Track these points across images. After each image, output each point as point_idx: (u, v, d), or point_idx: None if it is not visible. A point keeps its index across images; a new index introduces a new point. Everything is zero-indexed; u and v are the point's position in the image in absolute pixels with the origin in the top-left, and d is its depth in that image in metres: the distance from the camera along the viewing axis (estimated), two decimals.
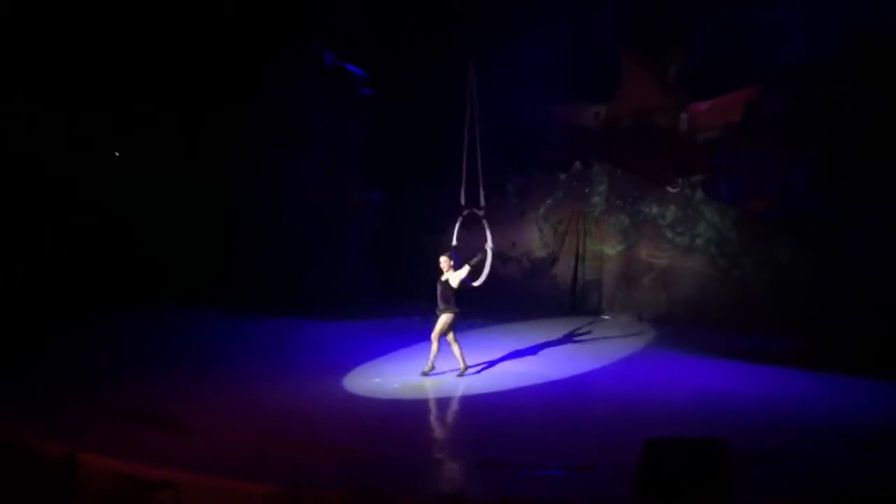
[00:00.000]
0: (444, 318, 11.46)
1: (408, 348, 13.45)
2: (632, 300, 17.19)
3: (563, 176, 18.25)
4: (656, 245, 17.12)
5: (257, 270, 16.97)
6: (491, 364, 12.68)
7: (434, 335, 11.54)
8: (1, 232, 14.94)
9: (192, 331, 14.55)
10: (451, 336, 11.56)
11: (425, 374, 11.56)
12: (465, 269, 11.60)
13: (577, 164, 18.14)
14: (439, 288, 11.58)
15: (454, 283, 11.54)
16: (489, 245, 11.91)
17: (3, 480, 7.96)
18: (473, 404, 10.51)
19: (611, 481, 7.18)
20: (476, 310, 15.21)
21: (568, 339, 15.02)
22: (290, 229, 17.45)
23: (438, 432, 9.03)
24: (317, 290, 17.16)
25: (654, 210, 17.13)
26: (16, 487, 7.73)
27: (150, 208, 17.04)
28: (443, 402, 10.56)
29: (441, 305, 11.51)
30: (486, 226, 12.04)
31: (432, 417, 9.88)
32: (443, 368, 11.67)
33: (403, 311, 16.41)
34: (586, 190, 18.06)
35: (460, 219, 12.09)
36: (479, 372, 12.07)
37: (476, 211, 12.11)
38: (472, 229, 12.29)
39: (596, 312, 17.41)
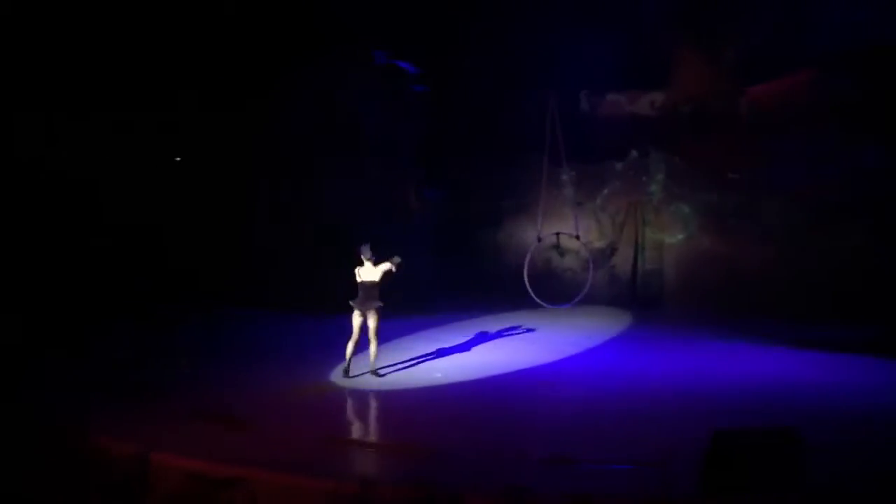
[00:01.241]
0: (375, 315, 11.06)
1: (471, 343, 13.45)
2: (693, 289, 16.88)
3: (619, 165, 18.04)
4: (718, 233, 16.81)
5: (318, 271, 17.12)
6: (550, 355, 12.62)
7: (376, 332, 11.10)
8: (52, 234, 15.20)
9: (256, 330, 14.76)
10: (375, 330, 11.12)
11: (374, 372, 11.15)
12: (386, 265, 11.08)
13: (634, 153, 17.91)
14: (363, 284, 11.07)
15: (377, 277, 11.07)
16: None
17: (76, 481, 8.19)
18: (533, 398, 10.43)
19: (680, 476, 7.05)
20: (533, 300, 15.22)
21: (627, 330, 14.87)
22: (349, 229, 17.57)
23: (502, 427, 8.98)
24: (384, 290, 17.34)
25: (715, 197, 16.81)
26: (89, 488, 7.95)
27: (209, 210, 17.29)
28: (503, 396, 10.50)
29: (367, 302, 11.06)
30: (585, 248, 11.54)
31: (496, 411, 9.82)
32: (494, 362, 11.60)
33: (464, 306, 16.43)
34: (644, 179, 17.81)
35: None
36: (537, 365, 12.01)
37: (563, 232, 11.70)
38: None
39: (656, 302, 17.20)
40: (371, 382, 11.03)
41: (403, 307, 16.28)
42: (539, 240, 11.61)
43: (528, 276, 12.22)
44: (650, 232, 17.76)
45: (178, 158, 18.06)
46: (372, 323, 11.05)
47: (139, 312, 14.80)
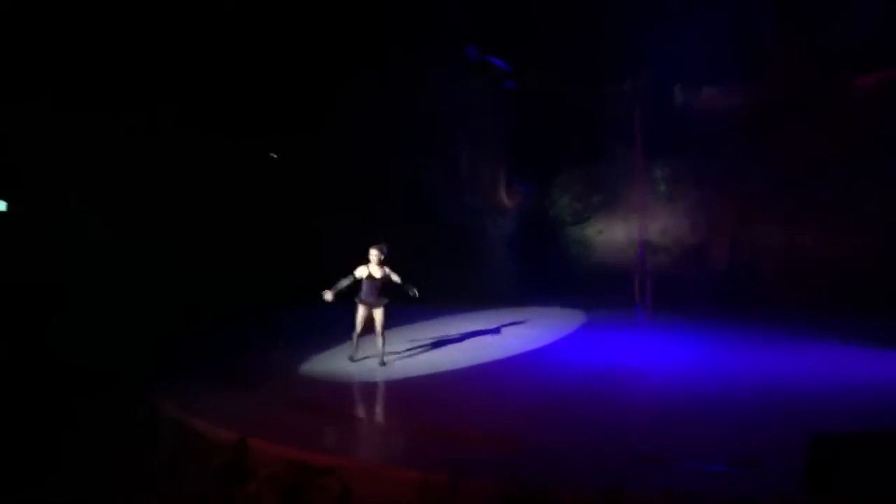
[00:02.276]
0: (382, 310, 11.49)
1: (564, 339, 13.39)
2: (793, 285, 16.28)
3: (715, 160, 17.58)
4: (820, 226, 16.18)
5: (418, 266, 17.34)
6: (642, 353, 12.44)
7: (382, 328, 11.53)
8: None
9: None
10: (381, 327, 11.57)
11: (382, 362, 11.59)
12: (395, 277, 11.56)
13: (730, 147, 17.41)
14: (369, 281, 11.44)
15: (378, 274, 11.45)
16: None
17: (177, 463, 8.51)
18: (622, 394, 10.30)
19: (777, 477, 6.85)
20: (624, 298, 15.03)
21: (723, 328, 14.51)
22: (445, 225, 17.76)
23: (593, 424, 8.89)
24: (472, 283, 17.46)
25: (816, 191, 16.18)
26: (192, 472, 8.24)
27: (305, 205, 17.70)
28: (594, 391, 10.39)
29: (373, 298, 11.46)
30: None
31: (585, 406, 9.73)
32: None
33: (559, 300, 16.36)
34: (740, 174, 17.30)
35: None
36: (628, 361, 11.85)
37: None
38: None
39: (753, 300, 16.67)
40: (457, 373, 11.19)
41: (493, 301, 16.42)
42: None
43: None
44: (746, 227, 17.25)
45: (273, 155, 18.58)
46: (379, 317, 11.48)
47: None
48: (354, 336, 11.68)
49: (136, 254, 15.45)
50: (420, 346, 13.09)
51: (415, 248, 17.26)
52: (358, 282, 11.49)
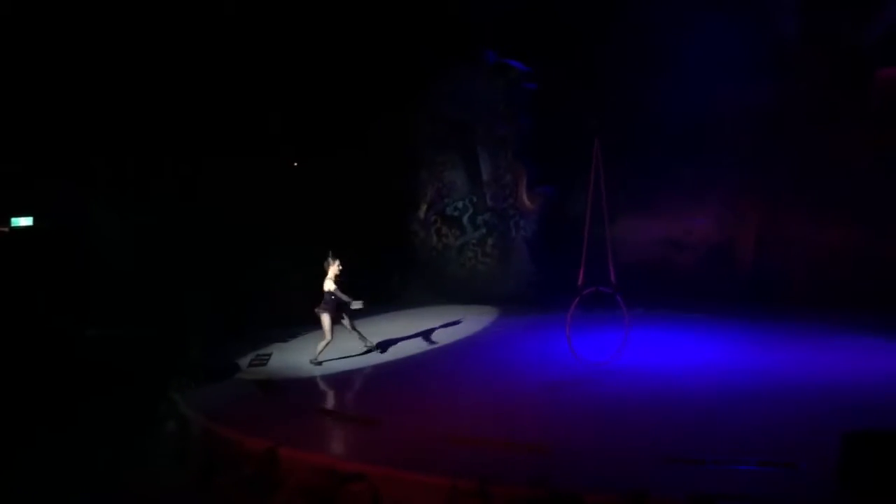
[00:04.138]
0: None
1: (591, 343, 13.33)
2: (821, 284, 16.06)
3: (739, 158, 17.41)
4: (847, 226, 15.97)
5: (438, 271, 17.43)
6: (668, 353, 12.39)
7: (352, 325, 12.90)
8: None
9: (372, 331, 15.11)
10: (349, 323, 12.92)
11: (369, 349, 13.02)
12: (344, 299, 12.54)
13: (753, 145, 17.24)
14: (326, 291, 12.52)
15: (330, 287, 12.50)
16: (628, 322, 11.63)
17: (213, 474, 8.61)
18: (651, 396, 10.22)
19: (808, 478, 6.80)
20: (649, 299, 14.95)
21: (750, 327, 14.39)
22: (467, 228, 17.84)
23: (620, 427, 8.86)
24: (494, 286, 17.51)
25: (843, 189, 15.96)
26: (225, 479, 8.34)
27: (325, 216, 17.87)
28: (622, 393, 10.35)
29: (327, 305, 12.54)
30: (621, 304, 11.56)
31: (613, 409, 9.70)
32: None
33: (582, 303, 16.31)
34: (765, 171, 17.13)
35: (578, 299, 11.64)
36: (655, 363, 11.80)
37: (602, 289, 11.59)
38: None
39: (782, 298, 16.46)
40: (484, 379, 11.26)
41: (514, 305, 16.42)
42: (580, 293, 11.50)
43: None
44: (772, 226, 17.06)
45: (295, 164, 18.76)
46: (326, 321, 12.53)
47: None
48: (323, 344, 12.55)
49: (164, 268, 15.66)
50: (435, 349, 13.15)
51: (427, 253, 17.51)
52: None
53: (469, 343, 14.12)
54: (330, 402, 10.73)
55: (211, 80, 16.52)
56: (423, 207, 19.31)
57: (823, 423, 8.23)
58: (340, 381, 11.65)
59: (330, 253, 12.64)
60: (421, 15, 17.44)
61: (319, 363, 12.47)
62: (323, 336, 12.56)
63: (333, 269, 12.55)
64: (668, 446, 7.76)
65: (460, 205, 18.97)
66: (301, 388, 11.17)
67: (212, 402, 10.43)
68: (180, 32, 16.00)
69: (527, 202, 18.25)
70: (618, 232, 18.47)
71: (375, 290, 16.52)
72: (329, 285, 12.48)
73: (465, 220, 18.93)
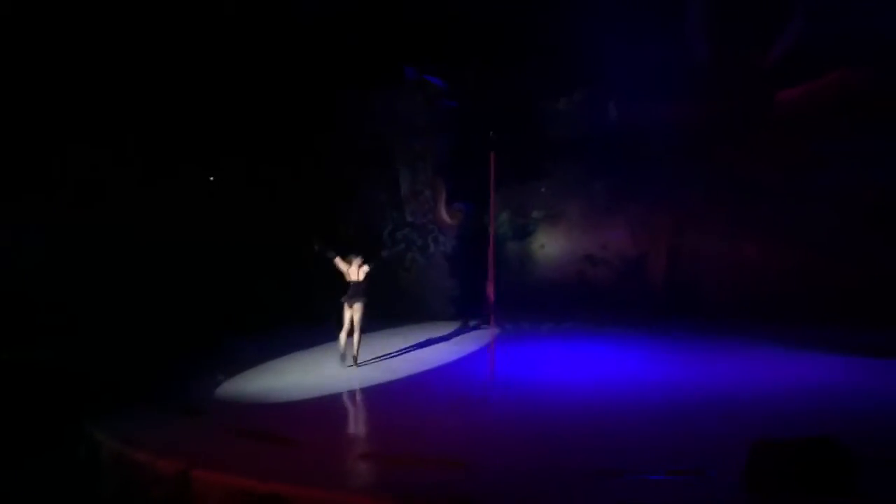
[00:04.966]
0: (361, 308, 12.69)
1: (506, 356, 13.41)
2: (731, 297, 16.65)
3: (654, 174, 17.87)
4: (759, 240, 16.58)
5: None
6: (582, 367, 12.59)
7: (360, 326, 12.74)
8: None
9: (299, 345, 14.89)
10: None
11: (355, 360, 12.75)
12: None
13: (670, 161, 17.73)
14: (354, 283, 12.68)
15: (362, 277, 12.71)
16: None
17: (121, 498, 8.31)
18: (567, 410, 10.32)
19: (720, 485, 6.97)
20: (566, 312, 15.16)
21: (662, 339, 14.73)
22: (387, 245, 17.79)
23: (540, 441, 8.90)
24: (413, 302, 17.48)
25: (755, 204, 16.57)
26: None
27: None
28: (536, 409, 10.42)
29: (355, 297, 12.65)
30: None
31: (529, 424, 9.75)
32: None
33: (503, 315, 16.43)
34: (680, 187, 17.64)
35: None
36: (568, 378, 11.96)
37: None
38: None
39: (693, 311, 16.95)
40: (410, 392, 11.24)
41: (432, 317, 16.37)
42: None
43: None
44: (685, 241, 17.57)
45: (211, 178, 18.39)
46: (357, 316, 12.62)
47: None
48: (343, 335, 12.67)
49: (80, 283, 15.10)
50: (359, 366, 13.05)
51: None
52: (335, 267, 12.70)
53: (388, 357, 14.03)
54: (248, 422, 10.45)
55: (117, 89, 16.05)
56: (342, 226, 19.18)
57: (734, 431, 8.45)
58: (261, 401, 11.38)
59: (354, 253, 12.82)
60: (341, 32, 17.38)
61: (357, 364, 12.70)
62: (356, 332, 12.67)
63: (354, 265, 12.69)
64: (583, 459, 7.84)
65: (381, 221, 18.92)
66: (221, 409, 10.87)
67: (125, 425, 10.06)
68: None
69: (445, 217, 18.33)
70: (533, 246, 18.91)
71: (299, 311, 16.50)
72: (359, 275, 12.63)
73: (384, 235, 18.90)
